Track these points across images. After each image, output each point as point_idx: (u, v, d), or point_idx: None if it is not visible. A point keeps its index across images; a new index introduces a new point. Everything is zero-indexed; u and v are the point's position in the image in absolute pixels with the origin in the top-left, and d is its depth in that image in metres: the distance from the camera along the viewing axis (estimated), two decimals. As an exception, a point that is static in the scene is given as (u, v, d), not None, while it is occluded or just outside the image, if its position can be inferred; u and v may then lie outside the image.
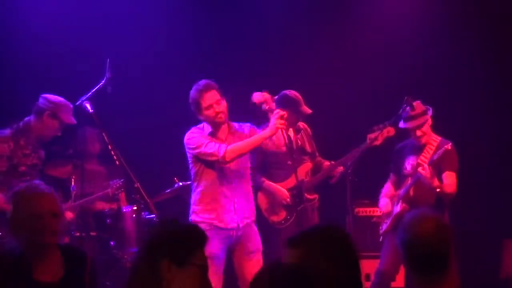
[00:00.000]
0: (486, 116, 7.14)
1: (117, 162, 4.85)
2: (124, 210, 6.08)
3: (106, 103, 5.27)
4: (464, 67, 7.13)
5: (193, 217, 5.20)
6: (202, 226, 5.02)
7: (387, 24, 7.26)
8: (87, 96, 5.15)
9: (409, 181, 5.63)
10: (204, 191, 5.18)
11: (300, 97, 5.98)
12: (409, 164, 5.70)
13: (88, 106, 5.08)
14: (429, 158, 5.55)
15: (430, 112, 5.66)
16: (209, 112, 5.11)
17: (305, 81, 6.69)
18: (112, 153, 4.86)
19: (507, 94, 7.11)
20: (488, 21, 7.11)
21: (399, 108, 5.66)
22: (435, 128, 5.78)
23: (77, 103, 5.17)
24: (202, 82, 5.17)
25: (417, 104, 5.63)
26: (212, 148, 5.08)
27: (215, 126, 5.19)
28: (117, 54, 5.70)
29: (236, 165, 5.21)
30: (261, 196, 6.02)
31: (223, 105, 5.14)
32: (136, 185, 4.65)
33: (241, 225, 5.19)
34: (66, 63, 6.80)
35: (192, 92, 5.17)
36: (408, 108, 5.60)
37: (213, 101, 5.11)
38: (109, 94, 5.21)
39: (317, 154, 6.28)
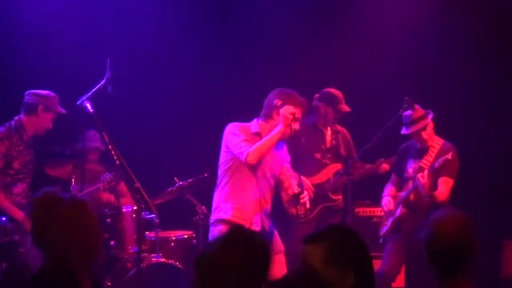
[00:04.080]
0: (486, 117, 7.14)
1: (117, 162, 4.85)
2: (124, 210, 6.08)
3: (106, 103, 5.27)
4: (466, 68, 7.13)
5: (220, 215, 5.06)
6: (228, 225, 4.95)
7: (387, 25, 7.27)
8: (87, 96, 5.15)
9: (410, 185, 5.61)
10: (233, 189, 5.05)
11: (341, 95, 6.15)
12: (410, 167, 5.69)
13: (88, 106, 5.08)
14: (431, 162, 5.53)
15: (430, 116, 5.63)
16: (288, 122, 4.95)
17: (304, 81, 6.70)
18: (112, 153, 4.86)
19: (508, 94, 7.11)
20: (489, 22, 7.11)
21: (399, 109, 5.66)
22: (437, 130, 5.77)
23: (77, 103, 5.17)
24: (300, 96, 5.07)
25: (416, 108, 5.60)
26: (240, 148, 4.95)
27: (267, 129, 5.06)
28: (118, 54, 5.70)
29: (270, 174, 5.12)
30: None
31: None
32: (136, 185, 4.65)
33: (266, 228, 5.09)
34: (66, 62, 6.80)
35: (286, 95, 5.06)
36: (408, 112, 5.58)
37: (300, 118, 5.05)
38: (109, 94, 5.21)
39: (356, 159, 6.27)
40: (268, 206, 5.16)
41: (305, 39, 7.37)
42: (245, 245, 2.50)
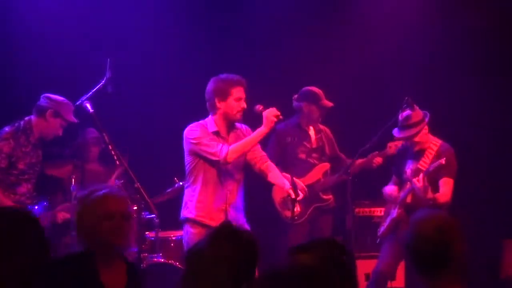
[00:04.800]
0: (486, 116, 7.13)
1: (117, 162, 4.86)
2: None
3: (106, 103, 5.27)
4: (466, 68, 7.13)
5: (185, 213, 5.19)
6: (193, 224, 5.10)
7: (386, 24, 7.27)
8: (87, 96, 5.16)
9: (408, 186, 5.61)
10: (198, 188, 5.14)
11: (320, 91, 6.10)
12: (409, 168, 5.68)
13: (88, 106, 5.09)
14: (428, 163, 5.52)
15: (427, 119, 5.60)
16: (235, 105, 5.08)
17: (304, 81, 6.70)
18: (112, 153, 4.87)
19: (508, 93, 7.11)
20: (489, 21, 7.11)
21: (399, 109, 5.65)
22: (437, 129, 5.76)
23: (77, 103, 5.18)
24: (235, 75, 5.15)
25: (415, 112, 5.58)
26: (213, 147, 5.04)
27: (225, 121, 5.15)
28: (117, 54, 5.70)
29: (233, 167, 5.18)
30: (276, 189, 6.00)
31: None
32: (136, 185, 4.65)
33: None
34: (66, 63, 6.79)
35: (220, 80, 5.12)
36: (406, 113, 5.55)
37: (243, 96, 5.11)
38: (109, 94, 5.22)
39: (342, 156, 6.29)
40: (237, 200, 5.21)
41: (304, 39, 7.37)
42: (233, 241, 2.58)
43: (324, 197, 6.20)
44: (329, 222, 6.22)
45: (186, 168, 5.22)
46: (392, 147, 5.95)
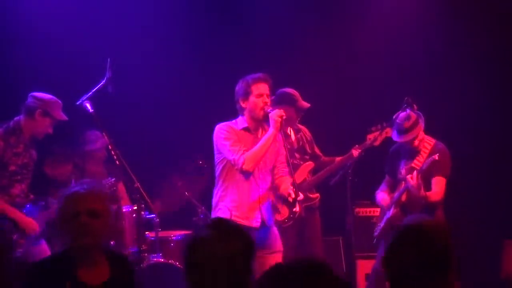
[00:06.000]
0: (485, 116, 7.14)
1: (117, 162, 4.86)
2: (124, 210, 6.08)
3: (106, 103, 5.27)
4: (463, 66, 7.14)
5: (217, 213, 5.10)
6: None
7: (385, 24, 7.27)
8: (88, 96, 5.16)
9: (403, 185, 5.61)
10: (230, 187, 5.08)
11: (296, 92, 6.08)
12: (403, 168, 5.68)
13: (88, 106, 5.09)
14: (422, 162, 5.53)
15: (422, 120, 5.60)
16: (257, 101, 5.04)
17: (303, 80, 6.70)
18: (113, 153, 4.87)
19: (508, 93, 7.11)
20: (486, 21, 7.12)
21: (398, 109, 5.66)
22: (437, 129, 5.75)
23: (78, 103, 5.17)
24: (259, 73, 5.12)
25: (411, 114, 5.56)
26: (233, 154, 4.99)
27: (254, 120, 5.11)
28: (117, 54, 5.70)
29: (264, 167, 5.14)
30: None
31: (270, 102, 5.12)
32: (136, 185, 4.66)
33: (266, 223, 5.09)
34: (66, 63, 6.80)
35: (242, 81, 5.11)
36: (402, 116, 5.55)
37: (264, 92, 5.07)
38: (109, 93, 5.22)
39: (321, 155, 6.32)
40: (268, 200, 5.17)
41: (305, 39, 7.37)
42: (237, 235, 2.56)
43: (311, 196, 6.22)
44: (317, 221, 6.25)
45: (216, 167, 5.15)
46: (371, 138, 5.95)
